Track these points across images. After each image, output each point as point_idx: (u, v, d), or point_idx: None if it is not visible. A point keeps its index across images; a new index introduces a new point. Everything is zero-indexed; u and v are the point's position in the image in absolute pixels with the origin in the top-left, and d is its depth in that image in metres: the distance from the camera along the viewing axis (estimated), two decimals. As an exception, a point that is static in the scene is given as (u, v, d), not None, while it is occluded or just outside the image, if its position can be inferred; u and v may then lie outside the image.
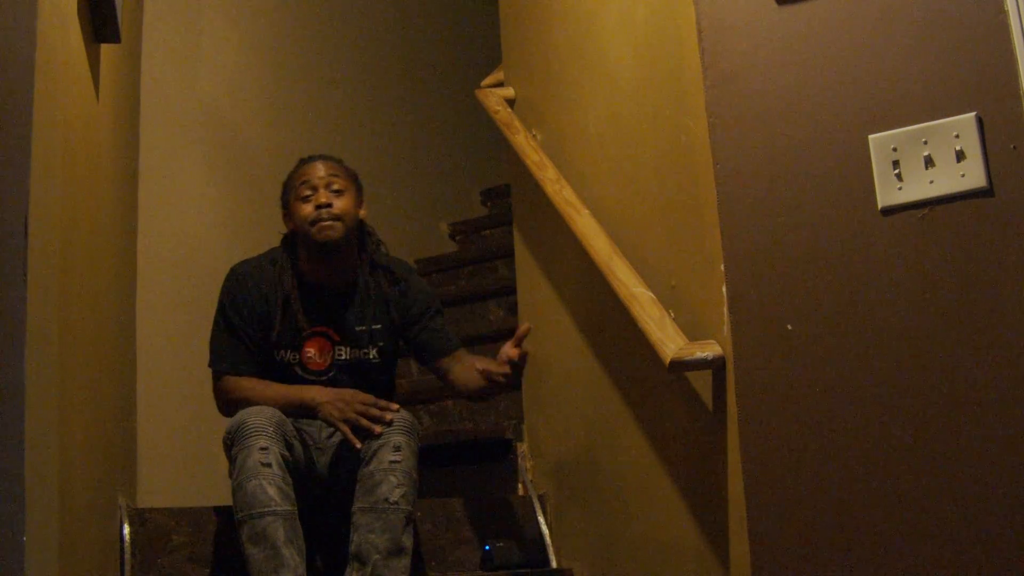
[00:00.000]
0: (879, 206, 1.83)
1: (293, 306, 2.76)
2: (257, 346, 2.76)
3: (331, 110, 4.61)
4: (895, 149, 1.82)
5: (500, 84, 3.37)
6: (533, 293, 3.17)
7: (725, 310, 2.06)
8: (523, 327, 2.64)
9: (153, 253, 3.53)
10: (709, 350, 2.16)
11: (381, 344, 2.83)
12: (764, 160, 1.96)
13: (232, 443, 2.58)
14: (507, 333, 3.72)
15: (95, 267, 2.24)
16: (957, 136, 1.76)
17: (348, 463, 2.68)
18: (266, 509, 2.46)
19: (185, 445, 3.51)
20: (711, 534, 2.26)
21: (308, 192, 2.77)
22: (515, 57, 3.33)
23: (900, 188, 1.81)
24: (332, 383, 2.77)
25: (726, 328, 2.08)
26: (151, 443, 3.36)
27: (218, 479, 3.43)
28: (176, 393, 3.50)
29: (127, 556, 2.62)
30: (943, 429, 1.74)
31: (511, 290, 3.51)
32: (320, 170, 2.80)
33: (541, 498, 3.04)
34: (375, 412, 2.64)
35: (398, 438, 2.59)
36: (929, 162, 1.79)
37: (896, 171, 1.82)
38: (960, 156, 1.76)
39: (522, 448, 3.18)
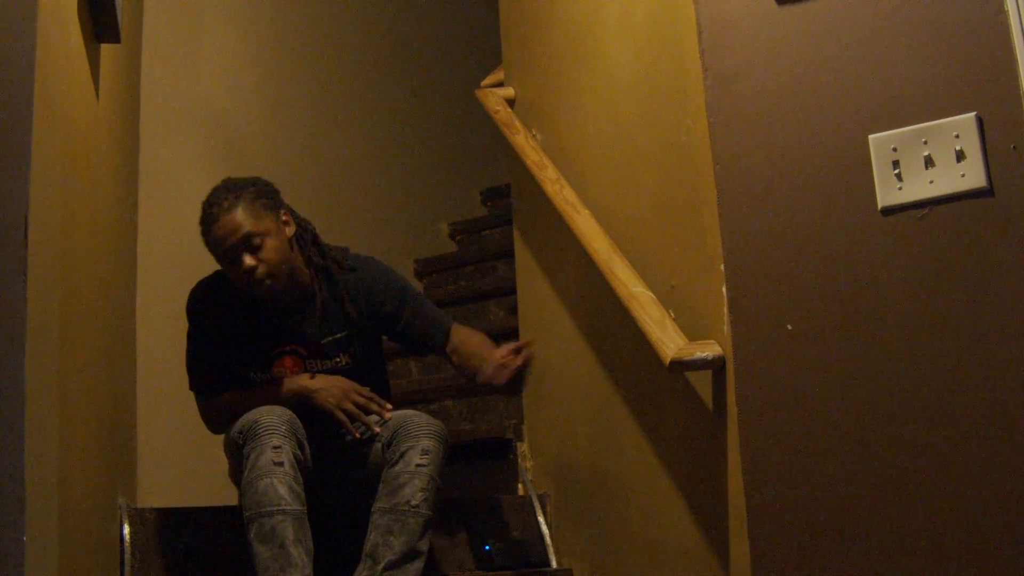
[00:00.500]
0: (879, 206, 1.83)
1: (256, 331, 2.70)
2: (231, 363, 2.73)
3: (331, 110, 4.61)
4: (895, 149, 1.82)
5: (500, 84, 3.37)
6: (533, 293, 3.17)
7: (725, 310, 2.06)
8: (525, 342, 2.62)
9: (153, 253, 3.53)
10: (709, 350, 2.16)
11: (352, 349, 2.76)
12: (764, 160, 1.96)
13: (243, 442, 2.56)
14: (507, 333, 3.73)
15: (95, 267, 2.24)
16: (957, 136, 1.76)
17: (357, 463, 2.69)
18: (276, 508, 2.46)
19: (185, 445, 3.51)
20: (711, 534, 2.26)
21: (228, 260, 2.61)
22: (515, 57, 3.32)
23: (900, 188, 1.81)
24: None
25: (726, 328, 2.08)
26: (151, 443, 3.36)
27: (218, 479, 3.42)
28: (176, 393, 3.49)
29: (127, 556, 2.62)
30: (943, 429, 1.74)
31: (511, 290, 3.51)
32: (226, 235, 2.58)
33: (541, 498, 3.04)
34: (374, 407, 2.65)
35: (427, 442, 2.59)
36: (929, 162, 1.79)
37: (896, 171, 1.82)
38: (960, 156, 1.76)
39: (522, 448, 3.18)
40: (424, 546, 2.54)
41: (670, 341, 2.25)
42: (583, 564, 2.84)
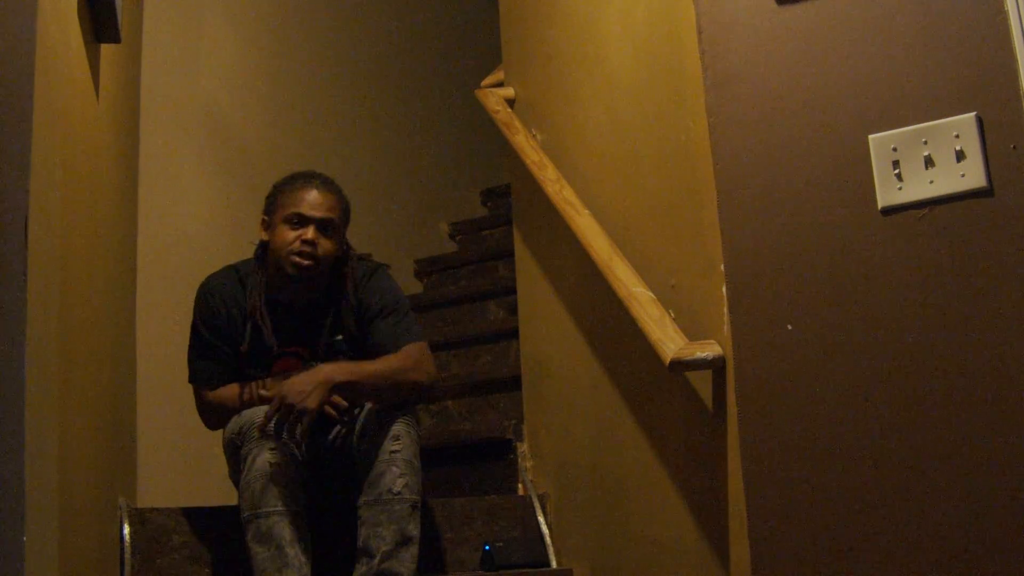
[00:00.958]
0: (879, 206, 1.83)
1: (263, 330, 2.70)
2: (232, 360, 2.74)
3: (331, 110, 4.61)
4: (895, 149, 1.82)
5: (500, 84, 3.37)
6: (533, 293, 3.17)
7: (725, 310, 2.06)
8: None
9: (153, 253, 3.53)
10: (709, 350, 2.16)
11: (349, 354, 2.74)
12: (764, 160, 1.96)
13: (241, 443, 2.58)
14: (507, 333, 3.73)
15: (95, 267, 2.24)
16: (957, 136, 1.76)
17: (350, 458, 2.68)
18: (273, 509, 2.46)
19: (185, 445, 3.51)
20: (711, 534, 2.26)
21: (297, 220, 2.68)
22: (515, 57, 3.32)
23: (900, 188, 1.81)
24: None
25: (726, 328, 2.08)
26: (151, 443, 3.36)
27: (218, 479, 3.42)
28: (176, 393, 3.49)
29: (127, 556, 2.62)
30: (943, 429, 1.74)
31: (511, 290, 3.51)
32: (315, 205, 2.69)
33: (541, 498, 3.04)
34: (338, 401, 2.55)
35: (396, 427, 2.59)
36: (929, 162, 1.79)
37: (896, 171, 1.82)
38: (960, 156, 1.76)
39: (522, 448, 3.18)
40: (415, 530, 2.53)
41: (670, 341, 2.25)
42: (583, 564, 2.84)
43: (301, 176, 2.79)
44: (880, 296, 1.82)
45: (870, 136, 1.85)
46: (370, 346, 2.74)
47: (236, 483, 2.87)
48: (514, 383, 3.39)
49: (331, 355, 2.74)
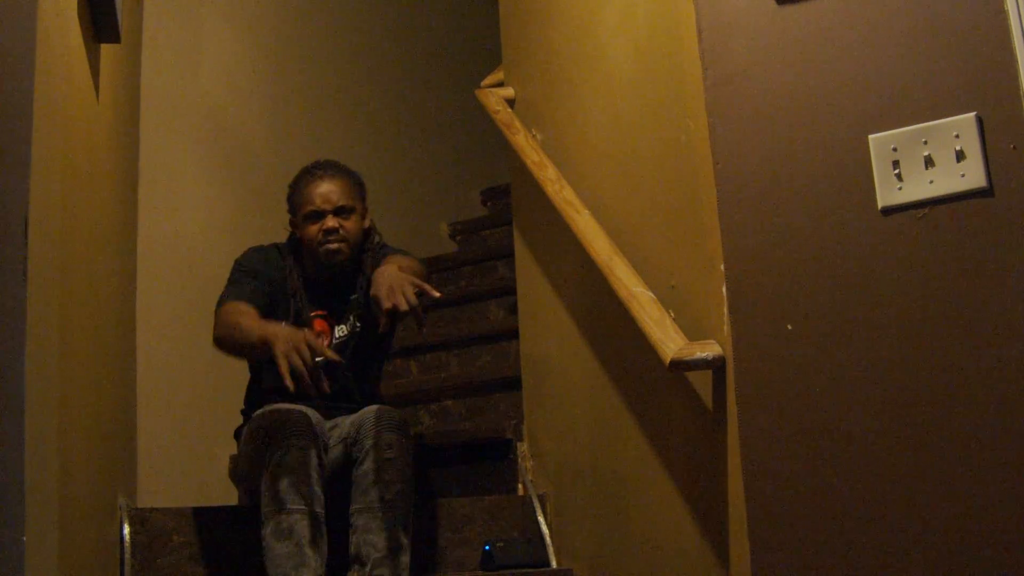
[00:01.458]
0: (879, 206, 1.83)
1: (299, 303, 2.82)
2: (264, 295, 2.80)
3: (331, 110, 4.61)
4: (895, 149, 1.82)
5: (500, 84, 3.37)
6: (533, 293, 3.17)
7: (725, 310, 2.06)
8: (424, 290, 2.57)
9: (153, 253, 3.53)
10: (709, 350, 2.16)
11: (359, 311, 2.88)
12: (764, 160, 1.96)
13: (268, 440, 2.54)
14: (507, 333, 3.73)
15: (95, 267, 2.24)
16: (957, 136, 1.76)
17: (343, 465, 2.68)
18: (296, 507, 2.46)
19: (185, 445, 3.51)
20: (711, 534, 2.26)
21: (314, 210, 2.84)
22: (515, 57, 3.32)
23: (900, 188, 1.81)
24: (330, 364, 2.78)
25: (726, 328, 2.08)
26: (151, 443, 3.36)
27: (218, 479, 3.43)
28: (176, 393, 3.50)
29: (127, 556, 2.62)
30: (943, 428, 1.74)
31: (511, 290, 3.51)
32: (327, 197, 2.84)
33: (541, 498, 3.04)
34: (309, 356, 2.46)
35: (388, 435, 2.59)
36: (929, 162, 1.79)
37: (896, 171, 1.82)
38: (960, 156, 1.76)
39: (522, 448, 3.18)
40: (406, 539, 2.53)
41: (670, 341, 2.25)
42: (583, 564, 2.84)
43: (307, 172, 2.93)
44: (880, 296, 1.82)
45: (870, 136, 1.85)
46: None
47: (237, 481, 2.88)
48: (514, 383, 3.39)
49: (346, 316, 2.89)
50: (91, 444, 2.11)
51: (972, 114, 1.75)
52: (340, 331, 2.90)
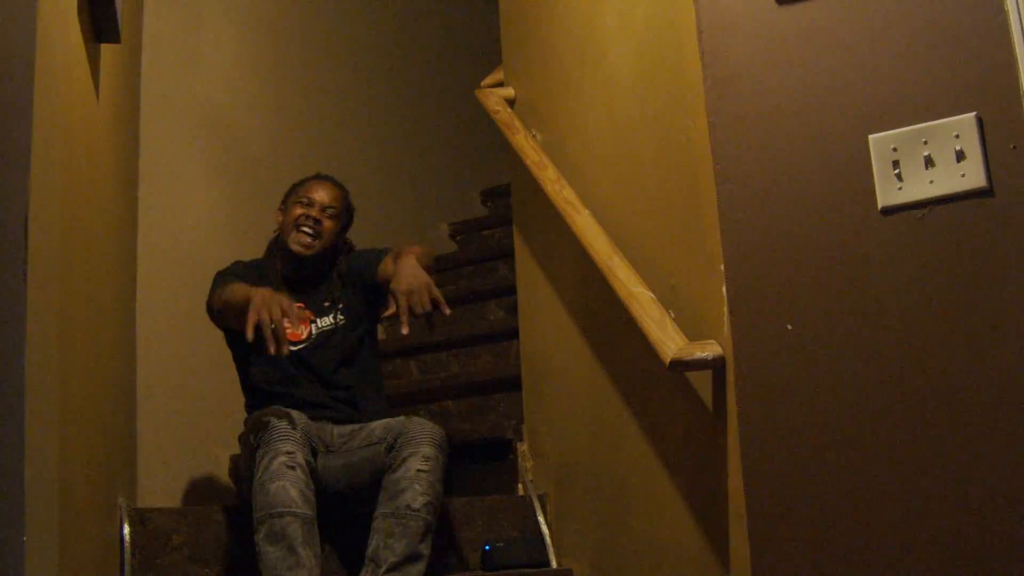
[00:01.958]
0: (879, 206, 1.83)
1: (278, 287, 2.92)
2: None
3: (331, 110, 4.61)
4: (895, 149, 1.82)
5: (500, 84, 3.37)
6: (533, 293, 3.17)
7: (725, 310, 2.06)
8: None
9: (153, 253, 3.53)
10: (709, 350, 2.16)
11: (341, 306, 3.02)
12: (764, 160, 1.96)
13: (257, 444, 2.59)
14: (507, 333, 3.73)
15: (95, 267, 2.24)
16: (957, 136, 1.76)
17: (368, 469, 2.70)
18: (287, 510, 2.47)
19: (185, 445, 3.51)
20: (711, 534, 2.26)
21: (306, 202, 3.02)
22: (515, 57, 3.32)
23: (900, 188, 1.81)
24: (313, 352, 2.94)
25: (726, 328, 2.08)
26: (151, 443, 3.36)
27: (218, 479, 3.43)
28: (176, 393, 3.50)
29: (127, 556, 2.62)
30: (943, 429, 1.74)
31: (511, 290, 3.51)
32: (325, 194, 3.06)
33: (541, 498, 3.04)
34: (281, 328, 2.55)
35: (428, 449, 2.64)
36: (929, 162, 1.79)
37: (896, 171, 1.82)
38: (960, 156, 1.76)
39: (522, 448, 3.18)
40: (426, 550, 2.56)
41: (670, 341, 2.25)
42: (583, 564, 2.84)
43: (316, 175, 3.16)
44: (880, 296, 1.82)
45: (870, 136, 1.85)
46: (362, 268, 3.04)
47: (237, 480, 2.88)
48: (514, 383, 3.39)
49: (328, 310, 3.03)
50: (91, 444, 2.11)
51: (972, 114, 1.75)
52: (324, 322, 3.00)
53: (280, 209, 3.12)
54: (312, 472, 2.59)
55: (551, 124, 3.05)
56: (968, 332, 1.73)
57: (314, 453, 2.63)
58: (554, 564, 2.92)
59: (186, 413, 3.53)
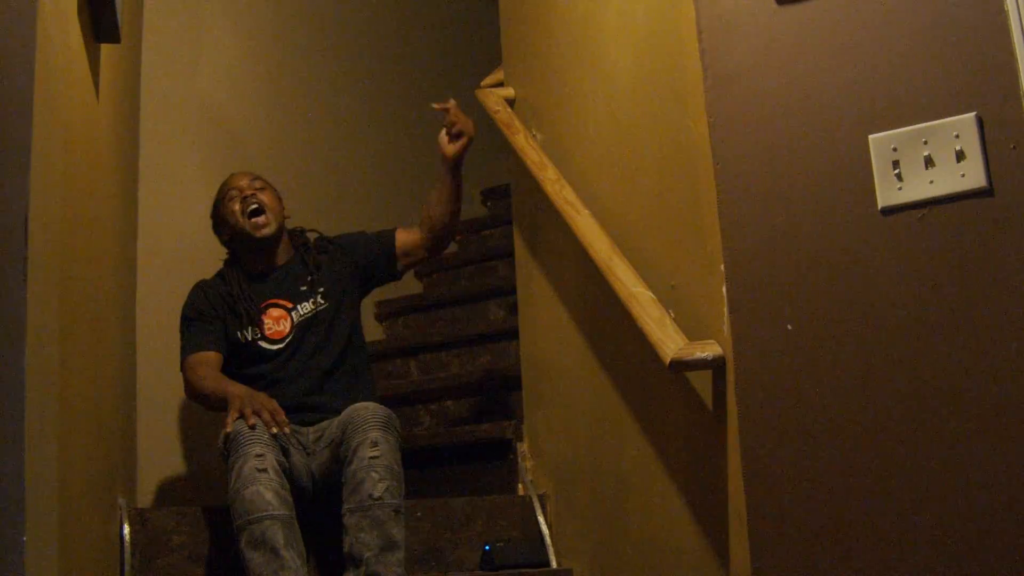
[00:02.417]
0: (879, 206, 1.83)
1: (245, 305, 2.94)
2: (221, 325, 2.94)
3: (331, 110, 4.60)
4: (895, 149, 1.82)
5: (500, 84, 3.37)
6: (533, 293, 3.17)
7: (725, 310, 2.06)
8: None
9: (153, 253, 3.53)
10: (709, 350, 2.16)
11: (322, 289, 3.00)
12: (764, 160, 1.96)
13: (228, 452, 2.60)
14: (507, 333, 3.73)
15: (95, 267, 2.24)
16: (957, 136, 1.76)
17: (336, 468, 2.69)
18: (264, 513, 2.46)
19: (185, 445, 3.51)
20: (711, 534, 2.26)
21: (234, 194, 3.02)
22: (515, 57, 3.32)
23: (900, 188, 1.81)
24: (296, 346, 2.92)
25: (726, 328, 2.08)
26: (151, 443, 3.36)
27: (218, 479, 3.42)
28: (176, 393, 3.49)
29: (127, 556, 2.62)
30: (943, 428, 1.74)
31: (511, 290, 3.51)
32: (241, 178, 3.07)
33: (541, 498, 3.04)
34: (266, 416, 2.67)
35: (374, 434, 2.60)
36: (929, 162, 1.79)
37: (896, 171, 1.82)
38: (960, 156, 1.76)
39: (522, 448, 3.18)
40: (399, 534, 2.54)
41: (670, 341, 2.25)
42: (583, 564, 2.84)
43: (222, 183, 3.14)
44: (880, 296, 1.82)
45: (870, 136, 1.85)
46: (376, 252, 3.13)
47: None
48: (514, 383, 3.39)
49: (307, 295, 3.00)
50: (91, 444, 2.11)
51: (972, 114, 1.75)
52: (304, 308, 2.99)
53: (218, 231, 3.10)
54: (286, 472, 2.59)
55: (551, 124, 3.05)
56: (968, 332, 1.73)
57: (285, 452, 2.62)
58: (554, 564, 2.92)
59: (186, 413, 3.53)
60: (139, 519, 2.69)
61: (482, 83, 3.42)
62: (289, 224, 3.13)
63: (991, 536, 1.68)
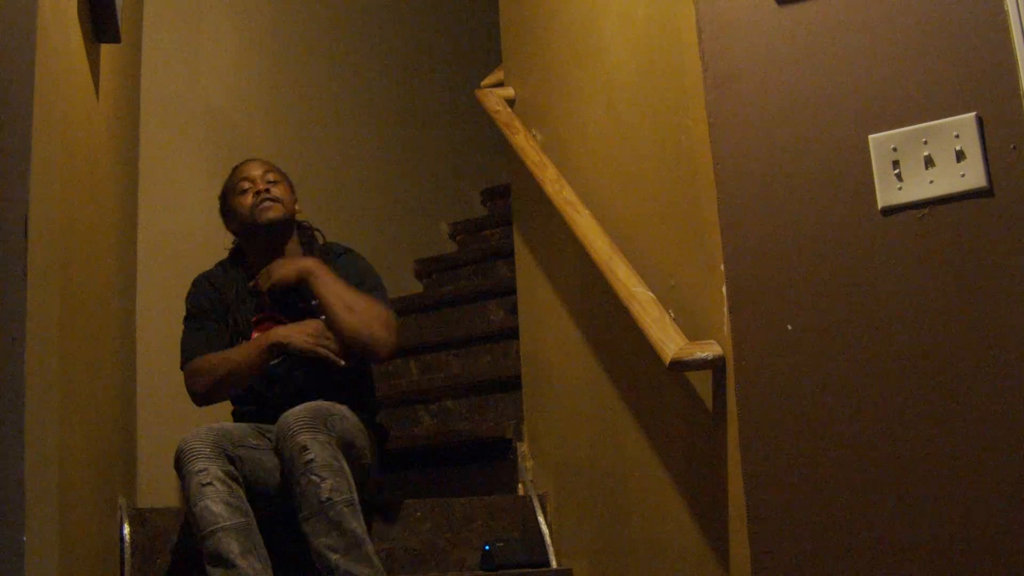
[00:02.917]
0: (879, 206, 1.83)
1: (236, 313, 2.90)
2: (223, 328, 2.89)
3: (331, 110, 4.61)
4: (895, 149, 1.82)
5: (500, 84, 3.37)
6: (533, 293, 3.17)
7: (725, 310, 2.06)
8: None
9: (153, 253, 3.53)
10: (709, 350, 2.16)
11: (324, 317, 2.87)
12: (764, 160, 1.96)
13: (179, 472, 2.59)
14: (507, 333, 3.73)
15: (95, 267, 2.24)
16: (957, 136, 1.76)
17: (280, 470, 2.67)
18: (216, 526, 2.44)
19: (185, 445, 3.51)
20: (711, 534, 2.26)
21: (247, 186, 2.95)
22: (515, 57, 3.32)
23: (900, 188, 1.81)
24: (284, 361, 2.86)
25: (726, 328, 2.08)
26: (151, 443, 3.36)
27: (218, 479, 3.41)
28: (176, 393, 3.49)
29: (127, 556, 2.62)
30: (943, 428, 1.74)
31: (511, 290, 3.51)
32: (255, 168, 3.00)
33: (541, 498, 3.04)
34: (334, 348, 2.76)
35: (302, 438, 2.55)
36: (929, 162, 1.79)
37: (896, 171, 1.82)
38: (960, 156, 1.76)
39: (522, 448, 3.18)
40: (360, 527, 2.51)
41: (670, 341, 2.25)
42: (583, 564, 2.84)
43: (236, 166, 3.08)
44: (880, 296, 1.82)
45: (870, 136, 1.85)
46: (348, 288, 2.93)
47: None
48: (514, 383, 3.39)
49: (307, 314, 2.91)
50: (91, 444, 2.11)
51: (972, 114, 1.75)
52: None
53: (226, 220, 3.04)
54: (246, 477, 2.57)
55: (551, 124, 3.05)
56: (968, 332, 1.73)
57: (232, 460, 2.60)
58: (554, 564, 2.92)
59: (186, 413, 3.52)
60: (139, 519, 2.69)
61: (482, 83, 3.42)
62: (298, 217, 3.07)
63: (991, 536, 1.68)
